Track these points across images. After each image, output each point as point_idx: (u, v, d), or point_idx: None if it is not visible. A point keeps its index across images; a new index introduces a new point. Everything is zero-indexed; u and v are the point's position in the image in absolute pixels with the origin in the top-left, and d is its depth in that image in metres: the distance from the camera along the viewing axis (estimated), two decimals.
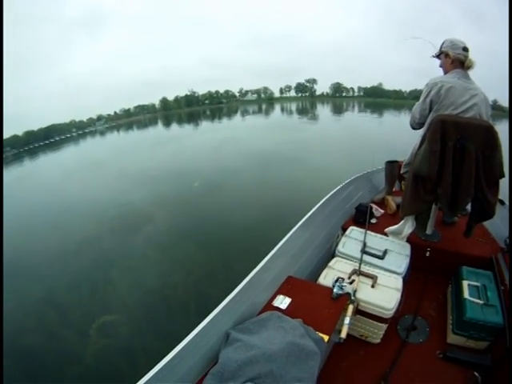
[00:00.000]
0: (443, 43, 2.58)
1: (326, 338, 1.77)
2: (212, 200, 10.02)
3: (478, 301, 2.14)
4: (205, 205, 9.64)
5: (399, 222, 2.83)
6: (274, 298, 2.12)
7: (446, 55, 2.54)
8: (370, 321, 2.16)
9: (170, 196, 10.63)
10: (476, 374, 1.92)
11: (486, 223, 2.96)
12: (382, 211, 3.49)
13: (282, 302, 2.07)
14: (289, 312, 1.97)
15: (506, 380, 1.78)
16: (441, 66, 2.66)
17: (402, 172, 2.99)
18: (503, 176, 2.31)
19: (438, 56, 2.65)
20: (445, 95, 2.40)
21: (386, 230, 2.91)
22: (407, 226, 2.74)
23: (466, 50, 2.51)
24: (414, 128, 2.76)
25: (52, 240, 8.55)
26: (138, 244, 7.42)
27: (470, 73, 2.53)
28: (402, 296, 2.18)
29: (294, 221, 2.79)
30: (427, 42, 2.92)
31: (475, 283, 2.29)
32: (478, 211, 2.46)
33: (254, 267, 2.15)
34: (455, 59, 2.51)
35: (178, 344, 1.58)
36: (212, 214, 8.75)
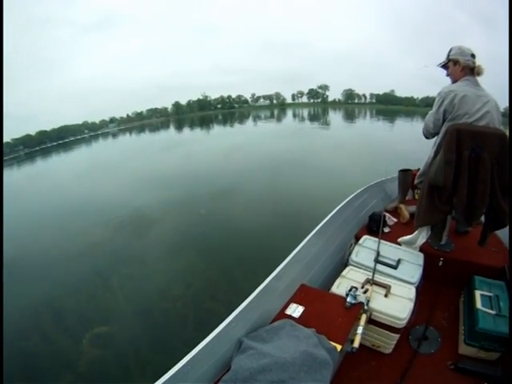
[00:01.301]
0: (450, 51, 2.56)
1: (338, 347, 1.77)
2: (220, 205, 9.92)
3: (491, 311, 2.13)
4: (211, 210, 9.53)
5: (412, 231, 2.83)
6: (287, 306, 2.13)
7: (456, 63, 2.52)
8: (383, 330, 2.15)
9: (177, 202, 10.53)
10: None
11: (499, 232, 2.95)
12: (395, 220, 3.48)
13: (295, 310, 2.07)
14: (302, 320, 1.97)
15: None
16: (448, 75, 2.64)
17: (415, 183, 2.98)
18: None
19: (444, 65, 2.63)
20: (459, 104, 2.38)
21: (400, 239, 2.91)
22: (421, 236, 2.73)
23: (473, 56, 2.50)
24: (427, 137, 2.75)
25: (56, 242, 8.56)
26: (140, 251, 7.34)
27: (479, 79, 2.53)
28: (414, 306, 2.18)
29: (305, 230, 2.80)
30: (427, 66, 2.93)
31: (488, 293, 2.28)
32: (492, 220, 2.44)
33: (259, 283, 2.14)
34: (465, 66, 2.49)
35: (189, 351, 1.59)
36: (218, 223, 8.57)
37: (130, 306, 5.25)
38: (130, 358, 4.17)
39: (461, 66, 2.50)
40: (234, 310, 1.86)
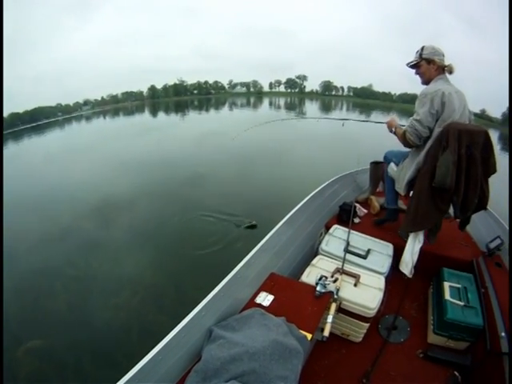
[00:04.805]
0: (422, 50, 2.54)
1: (309, 336, 1.78)
2: (188, 195, 9.49)
3: (459, 302, 2.18)
4: (179, 201, 9.10)
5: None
6: (256, 294, 2.12)
7: (430, 62, 2.52)
8: (352, 320, 2.18)
9: (144, 191, 10.09)
10: (456, 373, 1.96)
11: (468, 228, 3.00)
12: (366, 211, 3.52)
13: (265, 299, 2.07)
14: (272, 309, 1.97)
15: (485, 379, 1.83)
16: (418, 74, 2.63)
17: (404, 193, 2.82)
18: (495, 172, 2.40)
19: (416, 64, 2.60)
20: (448, 103, 2.38)
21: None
22: (417, 240, 2.63)
23: (443, 55, 2.53)
24: (412, 145, 2.63)
25: (13, 232, 8.12)
26: (91, 249, 6.89)
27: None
28: (384, 295, 2.21)
29: (274, 219, 2.77)
30: None
31: (456, 285, 2.34)
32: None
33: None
34: (440, 65, 2.52)
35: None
36: (182, 215, 8.08)
37: (72, 313, 4.93)
38: (70, 370, 3.96)
39: (436, 65, 2.51)
40: (203, 299, 1.83)
